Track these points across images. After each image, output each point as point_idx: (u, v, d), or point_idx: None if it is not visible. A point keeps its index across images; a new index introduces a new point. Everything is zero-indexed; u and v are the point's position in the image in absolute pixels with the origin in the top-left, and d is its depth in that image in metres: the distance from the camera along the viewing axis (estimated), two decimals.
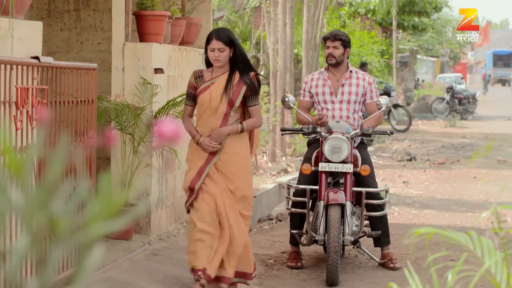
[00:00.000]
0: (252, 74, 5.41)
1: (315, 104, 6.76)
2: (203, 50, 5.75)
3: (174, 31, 7.26)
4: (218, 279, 5.29)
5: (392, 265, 6.55)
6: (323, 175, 6.22)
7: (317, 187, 6.26)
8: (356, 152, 6.43)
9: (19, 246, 1.14)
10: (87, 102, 5.18)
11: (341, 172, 6.21)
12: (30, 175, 1.20)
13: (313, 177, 6.34)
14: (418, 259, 6.68)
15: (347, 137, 6.21)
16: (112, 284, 5.27)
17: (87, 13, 7.74)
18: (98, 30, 7.75)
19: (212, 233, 5.25)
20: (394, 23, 25.15)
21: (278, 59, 13.73)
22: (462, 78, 40.35)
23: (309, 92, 6.74)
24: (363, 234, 6.45)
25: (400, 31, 30.41)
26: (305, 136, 6.63)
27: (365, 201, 6.30)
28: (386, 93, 19.57)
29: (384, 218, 6.59)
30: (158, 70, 6.70)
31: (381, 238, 6.60)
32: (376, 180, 6.76)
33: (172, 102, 6.50)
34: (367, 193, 6.31)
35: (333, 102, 6.64)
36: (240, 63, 5.39)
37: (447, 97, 27.29)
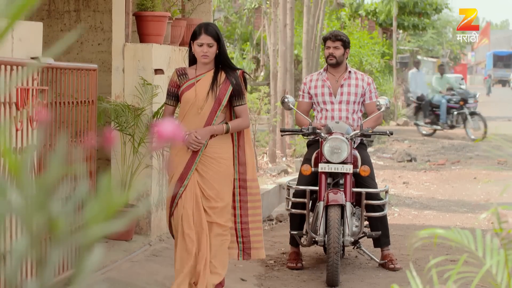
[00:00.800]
0: (239, 72, 5.20)
1: (314, 105, 6.77)
2: None
3: (174, 32, 7.26)
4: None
5: (392, 265, 6.55)
6: (323, 176, 6.22)
7: (317, 188, 6.26)
8: (356, 152, 6.43)
9: (19, 247, 1.14)
10: (87, 103, 5.18)
11: (341, 172, 6.21)
12: (29, 175, 1.20)
13: (313, 178, 6.34)
14: (419, 260, 6.69)
15: (346, 138, 6.21)
16: (112, 285, 5.26)
17: (87, 14, 7.74)
18: (98, 30, 7.75)
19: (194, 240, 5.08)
20: (395, 23, 25.15)
21: (278, 60, 13.72)
22: (462, 79, 40.33)
23: (308, 93, 6.74)
24: (363, 234, 6.45)
25: (401, 31, 30.41)
26: (305, 137, 6.63)
27: (365, 201, 6.30)
28: (463, 100, 19.28)
29: (384, 218, 6.59)
30: (158, 71, 6.70)
31: (381, 238, 6.60)
32: (376, 180, 6.77)
33: None
34: (367, 193, 6.31)
35: (332, 102, 6.65)
36: (225, 60, 5.16)
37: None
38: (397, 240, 7.52)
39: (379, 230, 6.54)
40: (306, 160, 6.53)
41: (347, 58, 6.77)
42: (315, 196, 6.38)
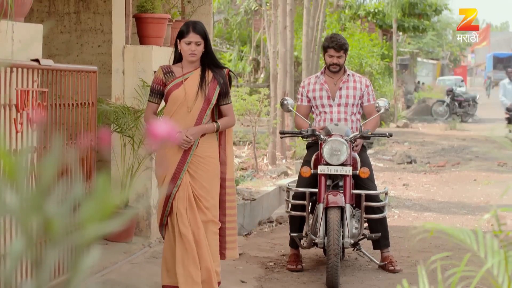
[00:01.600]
0: (225, 71, 5.17)
1: (313, 108, 6.77)
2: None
3: (174, 34, 7.25)
4: None
5: (392, 267, 6.55)
6: (323, 178, 6.22)
7: (316, 190, 6.26)
8: (355, 154, 6.43)
9: (15, 249, 1.14)
10: (87, 105, 5.18)
11: (341, 174, 6.21)
12: (25, 177, 1.20)
13: (313, 180, 6.34)
14: (419, 262, 6.68)
15: (346, 140, 6.21)
16: (112, 286, 5.26)
17: (87, 16, 7.74)
18: (98, 32, 7.75)
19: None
20: (395, 25, 25.15)
21: (278, 61, 13.73)
22: (462, 81, 40.33)
23: (307, 96, 6.75)
24: (362, 236, 6.45)
25: (401, 33, 30.42)
26: (304, 139, 6.63)
27: (364, 203, 6.29)
28: None
29: (383, 220, 6.59)
30: None
31: (381, 240, 6.60)
32: (376, 182, 6.76)
33: None
34: (366, 195, 6.31)
35: (330, 105, 6.65)
36: (212, 59, 5.13)
37: (447, 99, 27.31)
38: (397, 242, 7.52)
39: (379, 232, 6.54)
40: (306, 162, 6.53)
41: (344, 61, 6.79)
42: (314, 198, 6.38)
